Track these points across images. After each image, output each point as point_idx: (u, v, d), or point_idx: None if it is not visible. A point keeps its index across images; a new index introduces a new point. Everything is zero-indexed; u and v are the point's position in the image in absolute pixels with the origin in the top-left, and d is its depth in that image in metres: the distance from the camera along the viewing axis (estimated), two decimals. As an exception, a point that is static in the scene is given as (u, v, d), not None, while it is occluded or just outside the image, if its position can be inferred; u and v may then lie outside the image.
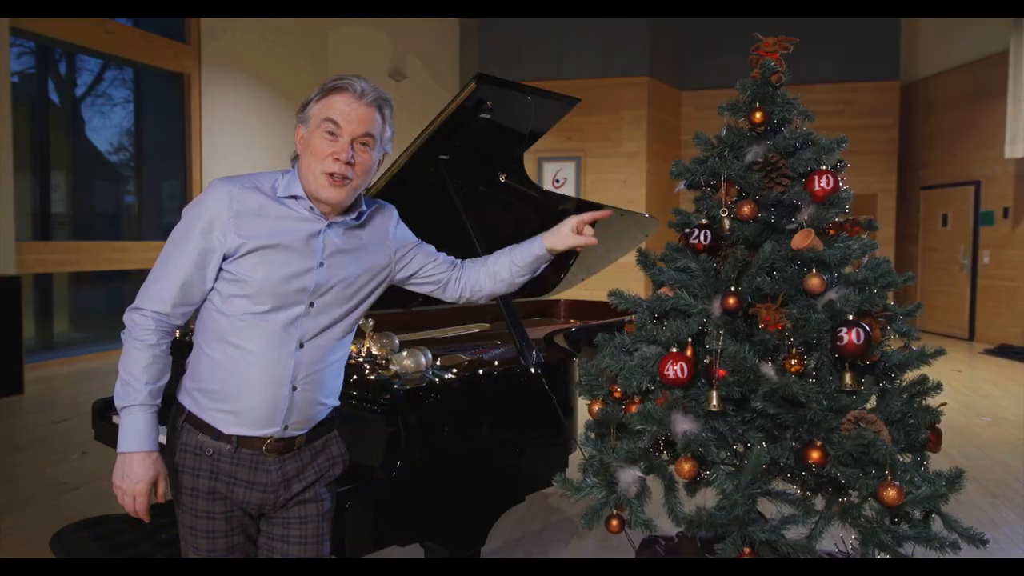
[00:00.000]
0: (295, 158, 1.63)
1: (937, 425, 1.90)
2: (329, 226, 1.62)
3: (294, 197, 1.59)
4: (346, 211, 1.65)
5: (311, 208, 1.60)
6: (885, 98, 10.13)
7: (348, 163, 1.55)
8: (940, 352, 1.86)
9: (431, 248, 1.88)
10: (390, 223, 1.78)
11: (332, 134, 1.55)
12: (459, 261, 1.91)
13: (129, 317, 1.56)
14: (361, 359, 2.34)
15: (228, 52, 9.02)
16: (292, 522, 1.68)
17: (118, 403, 1.55)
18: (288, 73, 9.60)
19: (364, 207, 1.69)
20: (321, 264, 1.60)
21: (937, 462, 1.86)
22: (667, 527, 2.07)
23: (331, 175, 1.55)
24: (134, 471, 1.53)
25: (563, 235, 1.82)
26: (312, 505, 1.69)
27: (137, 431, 1.53)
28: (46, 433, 4.99)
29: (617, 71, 9.93)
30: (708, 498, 1.85)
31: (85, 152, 8.23)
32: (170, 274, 1.55)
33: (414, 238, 1.84)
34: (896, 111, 10.14)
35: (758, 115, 1.93)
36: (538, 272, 1.90)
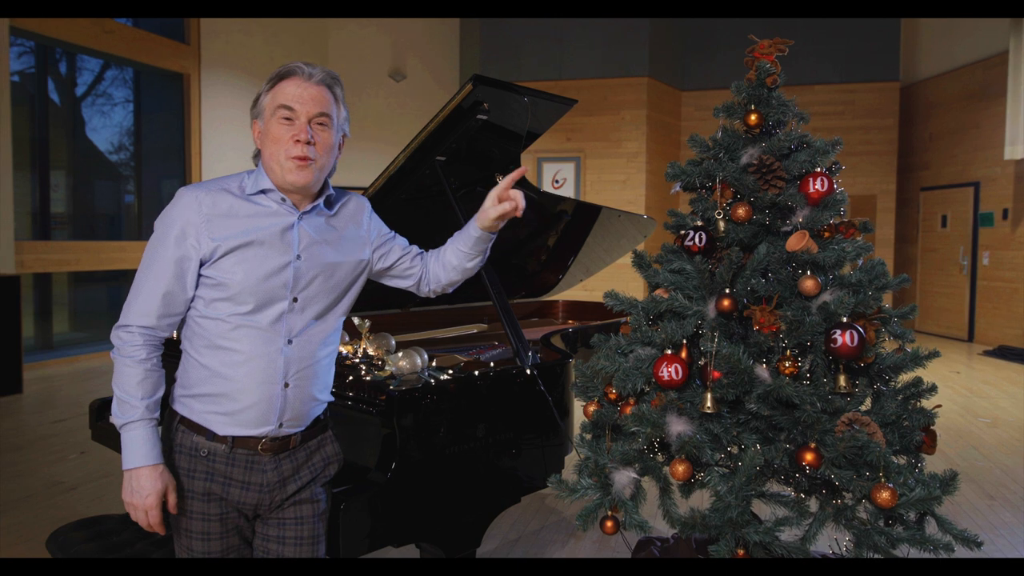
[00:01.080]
0: (256, 155, 1.64)
1: (931, 427, 1.90)
2: (301, 218, 1.62)
3: (263, 192, 1.60)
4: (315, 197, 1.66)
5: (282, 199, 1.61)
6: (885, 99, 10.12)
7: (309, 143, 1.56)
8: (934, 354, 1.86)
9: (404, 241, 1.89)
10: (363, 213, 1.79)
11: (288, 119, 1.56)
12: (423, 253, 1.93)
13: (116, 335, 1.56)
14: (357, 360, 2.35)
15: (228, 52, 9.04)
16: (288, 523, 1.68)
17: (117, 421, 1.55)
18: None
19: (331, 191, 1.70)
20: (299, 257, 1.60)
21: (934, 464, 1.86)
22: (663, 528, 2.08)
23: (295, 158, 1.56)
24: (142, 486, 1.53)
25: (487, 208, 1.81)
26: (308, 506, 1.69)
27: (139, 446, 1.53)
28: (44, 433, 4.99)
29: (617, 72, 9.93)
30: (704, 500, 1.86)
31: (85, 152, 8.24)
32: (150, 287, 1.56)
33: (388, 229, 1.85)
34: (896, 112, 10.14)
35: (753, 117, 1.93)
36: (487, 254, 1.91)
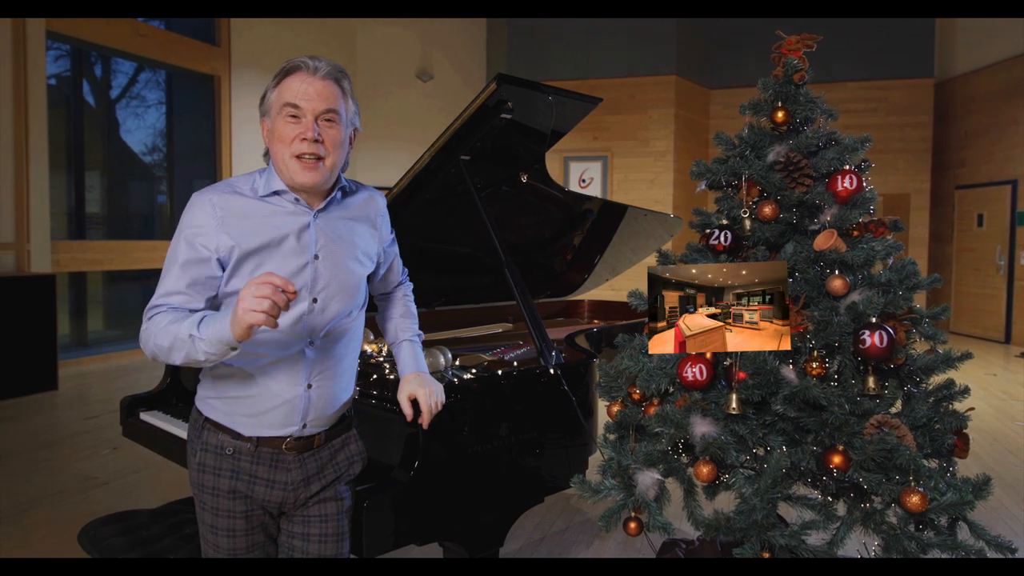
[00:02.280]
0: (267, 153, 1.61)
1: (964, 430, 1.85)
2: (316, 216, 1.60)
3: (276, 193, 1.58)
4: (329, 192, 1.63)
5: (296, 200, 1.58)
6: (919, 96, 9.93)
7: (316, 140, 1.52)
8: (967, 356, 1.82)
9: (399, 259, 1.90)
10: (378, 211, 1.76)
11: (295, 117, 1.52)
12: (402, 287, 1.95)
13: (144, 326, 1.52)
14: (381, 359, 2.36)
15: (257, 53, 9.14)
16: (312, 520, 1.69)
17: (186, 344, 1.42)
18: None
19: (345, 183, 1.67)
20: (316, 256, 1.59)
21: (969, 468, 1.82)
22: (688, 530, 2.06)
23: (301, 157, 1.52)
24: (242, 299, 1.34)
25: (401, 396, 1.76)
26: (332, 504, 1.70)
27: (219, 318, 1.41)
28: (78, 429, 5.09)
29: (644, 70, 9.87)
30: (730, 502, 1.83)
31: (119, 153, 8.39)
32: (167, 289, 1.54)
33: (391, 236, 1.84)
34: (930, 109, 9.95)
35: (780, 114, 1.91)
36: None
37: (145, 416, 2.80)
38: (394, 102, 10.63)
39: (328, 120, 1.54)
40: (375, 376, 2.20)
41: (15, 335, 5.97)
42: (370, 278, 1.81)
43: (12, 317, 5.98)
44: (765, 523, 1.66)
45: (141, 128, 8.60)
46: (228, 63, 8.86)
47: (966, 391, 1.87)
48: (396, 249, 1.87)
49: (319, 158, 1.53)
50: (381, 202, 1.78)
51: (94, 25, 7.36)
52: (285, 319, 1.56)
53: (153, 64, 8.34)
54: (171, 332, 1.45)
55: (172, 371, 2.95)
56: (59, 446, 4.68)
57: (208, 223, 1.53)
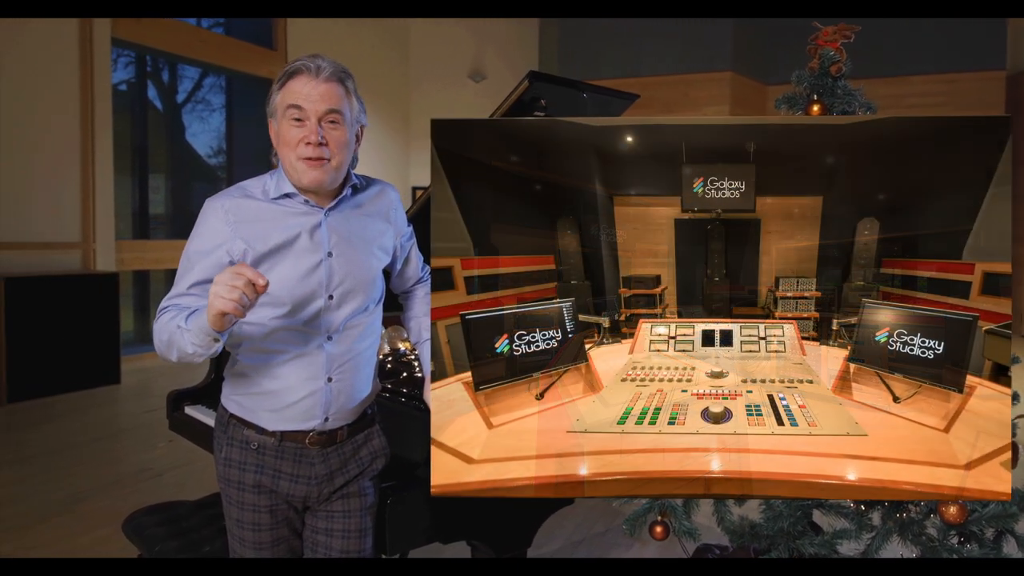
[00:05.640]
0: (276, 154, 1.63)
1: (1012, 439, 1.76)
2: (327, 214, 1.62)
3: (287, 196, 1.60)
4: (339, 191, 1.64)
5: (306, 201, 1.60)
6: (990, 89, 9.49)
7: (320, 143, 1.53)
8: (1014, 361, 1.72)
9: (418, 254, 1.89)
10: (392, 204, 1.76)
11: (298, 120, 1.54)
12: (424, 284, 1.92)
13: (154, 326, 1.56)
14: (411, 357, 2.37)
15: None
16: (336, 516, 1.71)
17: (179, 342, 1.46)
18: (370, 74, 9.81)
19: (356, 180, 1.68)
20: (330, 254, 1.60)
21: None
22: (722, 536, 2.01)
23: (307, 160, 1.54)
24: (216, 286, 1.37)
25: (427, 394, 1.76)
26: (355, 499, 1.72)
27: (205, 309, 1.41)
28: (137, 422, 5.27)
29: (698, 66, 9.68)
30: (760, 508, 1.78)
31: (184, 156, 8.66)
32: (178, 290, 1.57)
33: (408, 228, 1.83)
34: (1003, 103, 9.50)
35: (816, 108, 1.84)
36: None
37: (189, 410, 2.87)
38: (447, 102, 10.70)
39: (332, 122, 1.56)
40: (404, 374, 2.21)
41: (80, 331, 6.21)
42: (388, 274, 1.82)
43: (78, 313, 6.21)
44: (792, 531, 1.61)
45: (206, 131, 8.87)
46: (285, 66, 9.06)
47: (1016, 398, 1.77)
48: (414, 242, 1.88)
49: (324, 159, 1.55)
50: (393, 195, 1.79)
51: (157, 32, 7.60)
52: (304, 316, 1.58)
53: (214, 69, 8.58)
54: (168, 328, 1.49)
55: (216, 366, 3.02)
56: (118, 438, 4.85)
57: (221, 229, 1.56)
